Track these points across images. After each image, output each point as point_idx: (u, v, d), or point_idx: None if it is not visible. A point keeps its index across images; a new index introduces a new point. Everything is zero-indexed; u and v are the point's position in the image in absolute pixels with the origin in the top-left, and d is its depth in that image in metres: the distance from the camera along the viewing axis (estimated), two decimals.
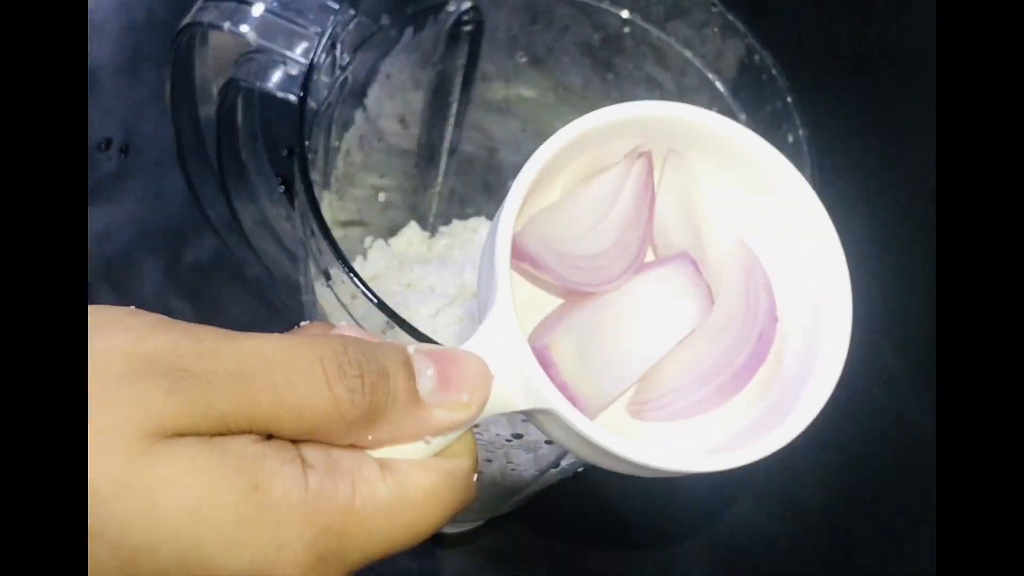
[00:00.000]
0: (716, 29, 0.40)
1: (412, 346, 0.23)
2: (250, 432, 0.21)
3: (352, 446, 0.22)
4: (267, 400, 0.21)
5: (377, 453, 0.23)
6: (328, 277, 0.35)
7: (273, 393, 0.21)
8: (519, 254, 0.26)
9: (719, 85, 0.41)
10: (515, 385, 0.24)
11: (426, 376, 0.23)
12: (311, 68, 0.36)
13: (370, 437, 0.22)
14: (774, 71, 0.38)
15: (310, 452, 0.21)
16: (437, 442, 0.23)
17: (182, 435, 0.20)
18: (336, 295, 0.35)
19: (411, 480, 0.22)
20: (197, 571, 0.20)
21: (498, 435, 0.36)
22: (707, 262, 0.28)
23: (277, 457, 0.21)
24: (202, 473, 0.20)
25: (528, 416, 0.26)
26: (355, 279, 0.33)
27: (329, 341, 0.22)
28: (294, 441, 0.22)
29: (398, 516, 0.22)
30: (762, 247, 0.29)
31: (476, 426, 0.25)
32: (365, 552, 0.21)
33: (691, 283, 0.28)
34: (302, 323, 0.25)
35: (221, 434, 0.20)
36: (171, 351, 0.20)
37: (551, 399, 0.24)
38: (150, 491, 0.19)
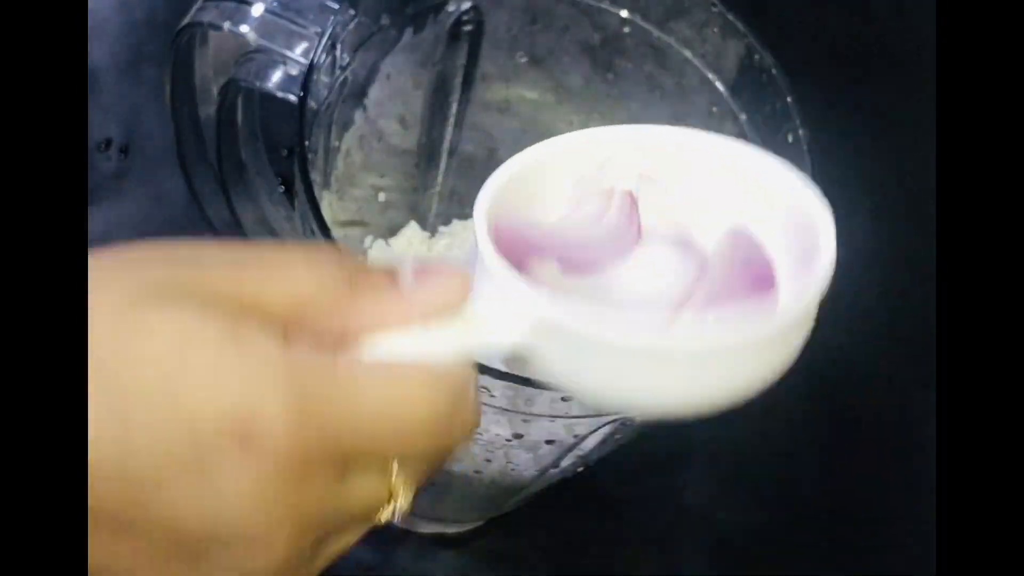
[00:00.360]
0: (716, 29, 0.40)
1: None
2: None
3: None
4: (256, 276, 0.21)
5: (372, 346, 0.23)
6: None
7: (262, 272, 0.22)
8: (508, 234, 0.26)
9: (719, 85, 0.41)
10: (511, 317, 0.24)
11: (404, 270, 0.23)
12: (311, 68, 0.36)
13: (358, 318, 0.22)
14: (774, 71, 0.38)
15: (295, 329, 0.21)
16: (430, 337, 0.23)
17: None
18: None
19: (397, 367, 0.22)
20: (185, 413, 0.20)
21: (498, 435, 0.36)
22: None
23: (258, 319, 0.21)
24: (187, 319, 0.20)
25: (530, 357, 0.24)
26: None
27: (319, 249, 0.23)
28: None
29: (384, 392, 0.21)
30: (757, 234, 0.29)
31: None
32: (351, 424, 0.21)
33: (684, 254, 0.28)
34: None
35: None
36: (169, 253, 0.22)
37: (550, 308, 0.23)
38: (139, 336, 0.20)
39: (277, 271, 0.22)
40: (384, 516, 0.23)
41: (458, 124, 0.48)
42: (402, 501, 0.23)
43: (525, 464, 0.39)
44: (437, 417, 0.22)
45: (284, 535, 0.21)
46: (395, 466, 0.23)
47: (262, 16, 0.36)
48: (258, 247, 0.23)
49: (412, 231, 0.51)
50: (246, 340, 0.20)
